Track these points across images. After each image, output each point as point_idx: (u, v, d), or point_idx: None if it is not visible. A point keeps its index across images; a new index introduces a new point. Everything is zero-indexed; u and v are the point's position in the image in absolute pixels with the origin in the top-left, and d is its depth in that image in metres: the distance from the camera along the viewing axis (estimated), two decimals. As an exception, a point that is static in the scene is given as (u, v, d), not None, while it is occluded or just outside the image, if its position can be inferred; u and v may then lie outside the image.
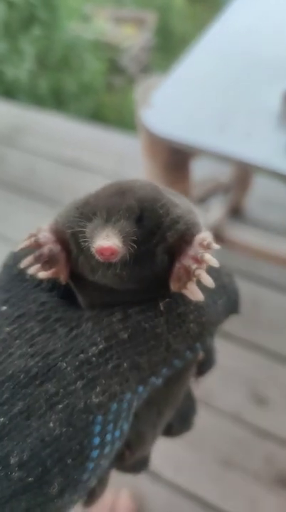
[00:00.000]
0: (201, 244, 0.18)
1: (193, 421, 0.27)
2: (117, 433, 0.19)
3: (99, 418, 0.18)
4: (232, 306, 0.22)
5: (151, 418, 0.22)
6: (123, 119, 3.32)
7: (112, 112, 3.29)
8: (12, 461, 0.17)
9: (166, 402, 0.22)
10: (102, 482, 0.24)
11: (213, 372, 1.02)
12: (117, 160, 1.63)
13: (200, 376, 0.26)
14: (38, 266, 0.19)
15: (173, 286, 0.18)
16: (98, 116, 3.30)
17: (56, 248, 0.19)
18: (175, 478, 0.98)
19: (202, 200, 1.34)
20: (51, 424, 0.17)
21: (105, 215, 0.17)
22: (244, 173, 1.25)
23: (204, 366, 0.26)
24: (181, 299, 0.19)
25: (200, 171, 0.98)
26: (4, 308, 0.20)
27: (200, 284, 0.18)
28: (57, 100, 3.05)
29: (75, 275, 0.20)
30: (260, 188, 1.39)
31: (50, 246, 0.19)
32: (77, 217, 0.18)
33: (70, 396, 0.17)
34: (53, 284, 0.21)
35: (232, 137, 0.53)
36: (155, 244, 0.18)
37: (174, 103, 0.60)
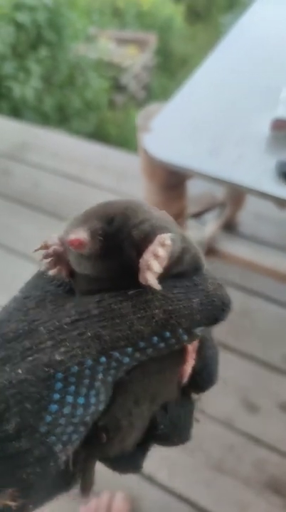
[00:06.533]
0: (160, 242, 0.21)
1: (186, 434, 0.26)
2: (81, 400, 0.21)
3: (60, 375, 0.21)
4: (215, 311, 0.23)
5: (127, 405, 0.23)
6: (124, 135, 3.42)
7: (114, 128, 3.40)
8: None
9: (145, 392, 0.24)
10: (88, 471, 0.25)
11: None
12: (118, 176, 1.70)
13: (200, 391, 0.27)
14: (47, 263, 0.24)
15: (140, 278, 0.21)
16: (100, 131, 3.40)
17: (60, 249, 0.24)
18: (169, 481, 1.01)
19: (198, 215, 1.41)
20: (19, 371, 0.21)
21: (84, 219, 0.22)
22: (238, 191, 1.31)
23: (201, 378, 0.26)
24: (150, 290, 0.22)
25: (196, 187, 1.04)
26: (18, 294, 0.26)
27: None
28: (61, 116, 3.15)
29: (72, 273, 0.24)
30: (253, 203, 1.46)
31: (55, 247, 0.24)
32: (69, 225, 0.23)
33: (40, 352, 0.21)
34: (61, 282, 0.26)
35: (225, 161, 0.56)
36: (122, 240, 0.22)
37: (172, 129, 0.64)
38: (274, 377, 1.16)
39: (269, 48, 0.77)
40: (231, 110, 0.65)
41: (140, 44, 4.15)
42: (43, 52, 2.84)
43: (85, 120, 3.32)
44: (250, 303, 1.30)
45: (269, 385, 1.14)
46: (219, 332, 1.12)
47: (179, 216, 0.73)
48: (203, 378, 0.26)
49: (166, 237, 0.21)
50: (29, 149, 1.85)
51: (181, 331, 0.22)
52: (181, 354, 0.24)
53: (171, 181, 0.66)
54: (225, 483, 1.01)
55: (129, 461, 0.26)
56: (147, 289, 0.22)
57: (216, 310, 0.23)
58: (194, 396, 0.26)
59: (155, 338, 0.22)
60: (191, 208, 1.42)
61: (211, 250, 1.23)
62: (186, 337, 0.22)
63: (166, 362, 0.24)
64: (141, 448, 0.26)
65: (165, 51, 4.38)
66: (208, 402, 1.10)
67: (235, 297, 1.33)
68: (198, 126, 0.64)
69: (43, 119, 3.00)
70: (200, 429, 1.05)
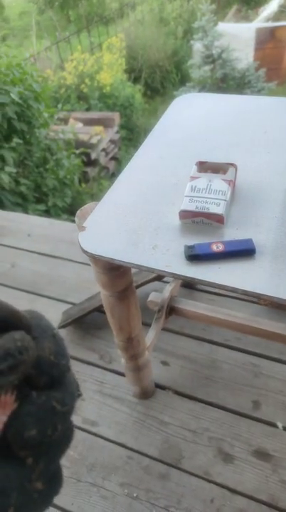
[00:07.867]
0: None
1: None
2: None
3: None
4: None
5: None
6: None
7: (89, 199, 3.66)
8: None
9: None
10: None
11: (182, 434, 1.16)
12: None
13: (19, 450, 0.25)
14: None
15: None
16: (76, 203, 3.65)
17: None
18: None
19: (159, 278, 1.54)
20: None
21: None
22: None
23: (10, 434, 0.25)
24: None
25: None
26: None
27: None
28: (38, 194, 3.40)
29: None
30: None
31: None
32: None
33: None
34: None
35: (143, 250, 0.66)
36: None
37: (101, 226, 0.74)
38: (245, 424, 1.22)
39: (178, 149, 0.91)
40: (148, 206, 0.77)
41: (105, 121, 4.59)
42: (16, 140, 3.13)
43: (61, 196, 3.57)
44: (215, 354, 1.39)
45: (241, 433, 1.20)
46: (190, 386, 1.24)
47: (127, 289, 0.86)
48: (12, 434, 0.26)
49: None
50: (5, 233, 2.01)
51: None
52: None
53: (112, 264, 0.78)
54: (210, 540, 1.03)
55: None
56: None
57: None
58: (27, 457, 0.25)
59: None
60: (150, 275, 1.56)
61: (173, 309, 1.35)
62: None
63: None
64: None
65: (128, 125, 4.86)
66: (184, 457, 1.15)
67: (202, 350, 1.42)
68: (122, 222, 0.75)
69: (21, 199, 3.23)
70: (181, 485, 1.13)
